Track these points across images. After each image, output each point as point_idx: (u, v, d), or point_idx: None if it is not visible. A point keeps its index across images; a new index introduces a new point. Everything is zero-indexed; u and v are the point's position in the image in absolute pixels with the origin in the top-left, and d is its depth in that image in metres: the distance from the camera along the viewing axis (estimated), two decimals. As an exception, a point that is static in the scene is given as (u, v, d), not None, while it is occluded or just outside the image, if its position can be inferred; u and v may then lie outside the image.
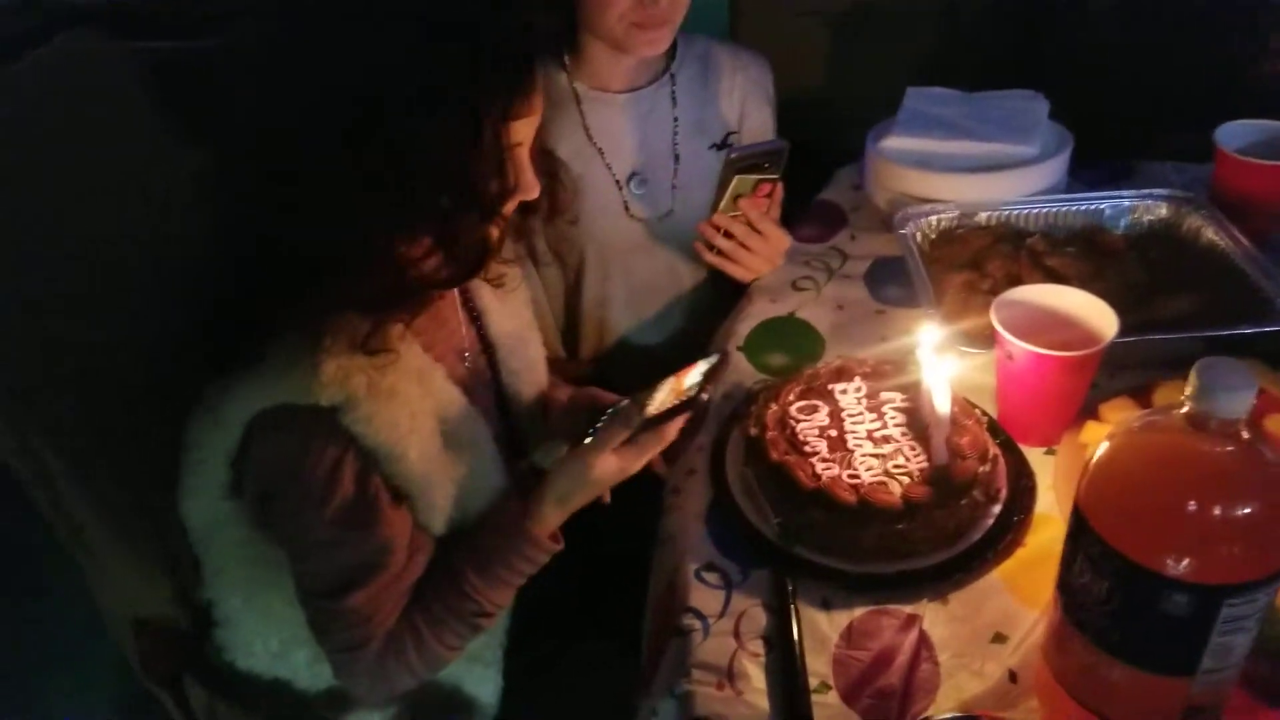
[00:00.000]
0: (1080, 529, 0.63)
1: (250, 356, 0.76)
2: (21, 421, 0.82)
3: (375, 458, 0.78)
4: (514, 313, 1.00)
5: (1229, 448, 0.58)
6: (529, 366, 1.01)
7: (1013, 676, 0.75)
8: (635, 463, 0.84)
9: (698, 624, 0.81)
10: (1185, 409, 0.58)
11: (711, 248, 1.12)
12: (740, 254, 1.12)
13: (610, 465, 0.83)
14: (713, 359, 0.87)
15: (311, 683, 0.91)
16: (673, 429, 0.84)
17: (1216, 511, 0.58)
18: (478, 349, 0.95)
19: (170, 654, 0.95)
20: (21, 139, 0.82)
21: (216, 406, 0.77)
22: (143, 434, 0.85)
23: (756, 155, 1.06)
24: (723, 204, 1.08)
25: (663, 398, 0.85)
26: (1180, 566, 0.58)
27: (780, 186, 1.10)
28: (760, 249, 1.12)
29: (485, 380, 0.96)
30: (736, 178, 1.06)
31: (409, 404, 0.80)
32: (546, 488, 0.86)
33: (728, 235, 1.11)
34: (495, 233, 0.81)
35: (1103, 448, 0.63)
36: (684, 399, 0.83)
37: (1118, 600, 0.61)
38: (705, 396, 0.83)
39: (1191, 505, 0.58)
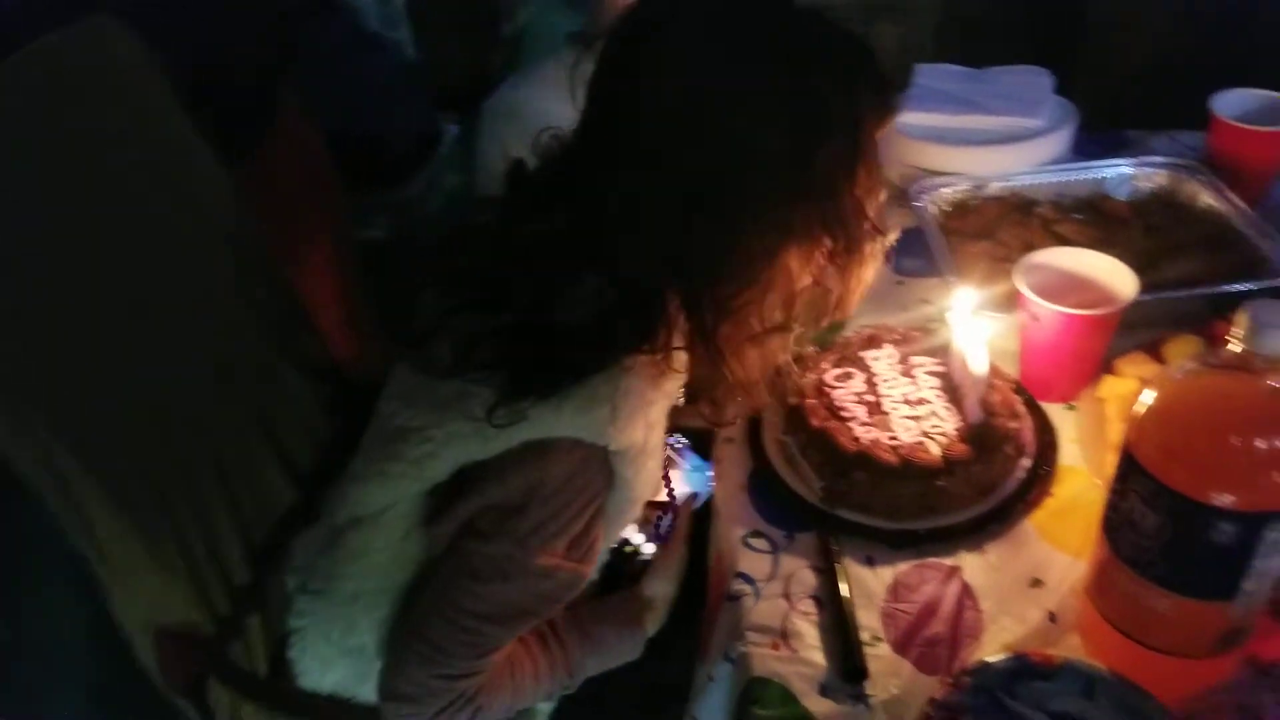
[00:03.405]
0: (1131, 469, 0.67)
1: (552, 387, 0.71)
2: (34, 421, 0.80)
3: (610, 506, 0.78)
4: None
5: (1273, 383, 0.62)
6: None
7: (1052, 617, 0.78)
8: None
9: (749, 588, 0.83)
10: (1234, 349, 0.62)
11: None
12: None
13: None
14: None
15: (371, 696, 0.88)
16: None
17: (1260, 444, 0.62)
18: None
19: (193, 660, 0.92)
20: (51, 136, 0.81)
21: (479, 418, 0.71)
22: (171, 438, 0.83)
23: None
24: None
25: None
26: (1227, 498, 0.62)
27: None
28: None
29: None
30: None
31: (658, 461, 0.80)
32: (657, 590, 0.92)
33: None
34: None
35: (1148, 395, 0.67)
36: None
37: (1169, 534, 0.65)
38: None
39: (1236, 440, 0.62)
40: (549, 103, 1.20)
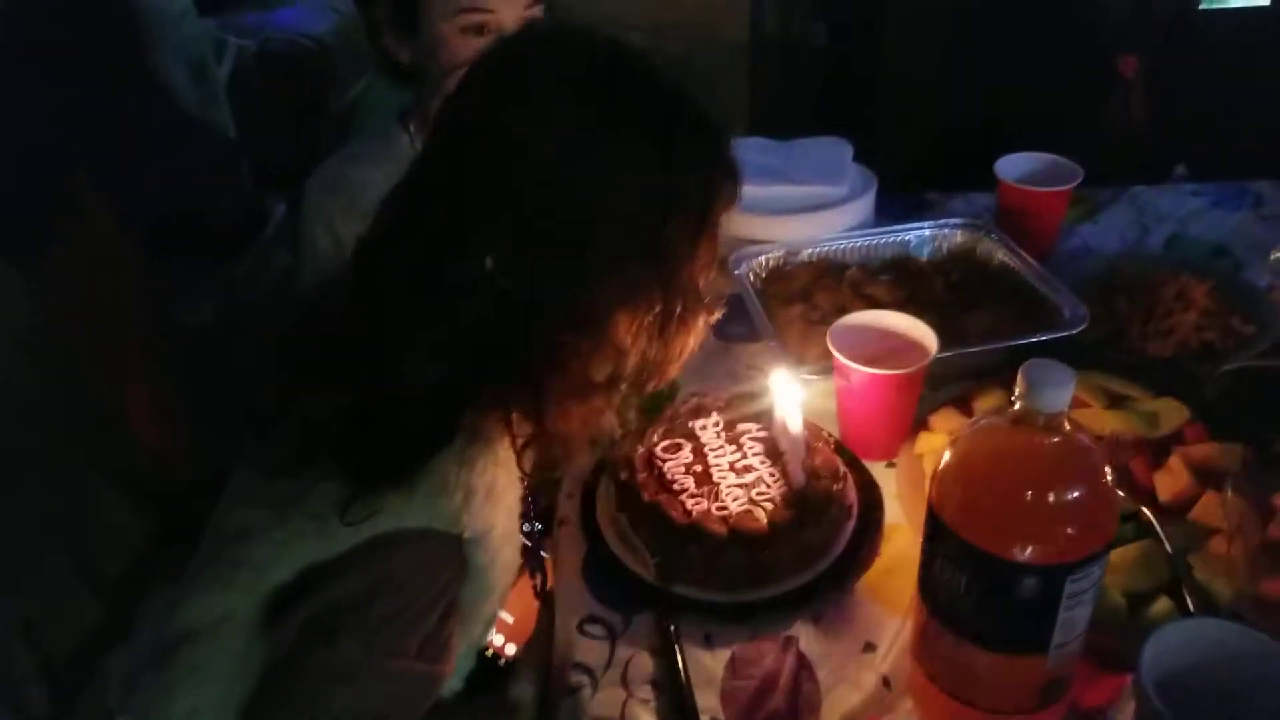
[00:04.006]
0: (936, 530, 0.68)
1: (402, 474, 0.68)
2: None
3: (465, 598, 0.74)
4: None
5: (1055, 439, 0.65)
6: None
7: (886, 682, 0.79)
8: None
9: (585, 679, 0.80)
10: (1015, 407, 0.65)
11: None
12: None
13: None
14: None
15: None
16: None
17: (1053, 497, 0.64)
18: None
19: None
20: None
21: (324, 515, 0.68)
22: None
23: None
24: None
25: None
26: (1026, 552, 0.64)
27: None
28: None
29: None
30: None
31: (515, 547, 0.77)
32: (524, 693, 0.90)
33: None
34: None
35: (947, 454, 0.68)
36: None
37: (976, 591, 0.66)
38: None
39: (1031, 495, 0.64)
40: (375, 176, 1.17)
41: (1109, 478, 0.66)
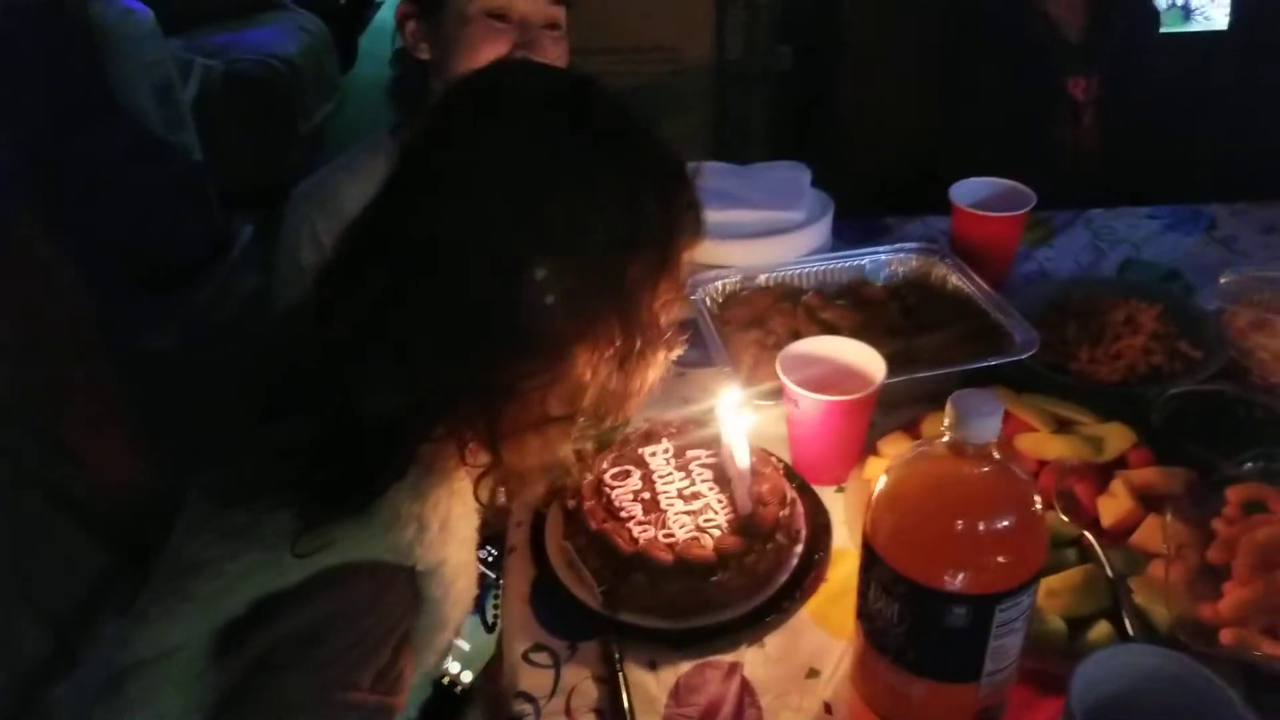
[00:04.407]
0: (870, 559, 0.69)
1: (354, 506, 0.68)
2: None
3: (418, 630, 0.74)
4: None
5: (985, 469, 0.65)
6: None
7: (828, 708, 0.79)
8: None
9: (529, 708, 0.80)
10: (945, 438, 0.65)
11: None
12: None
13: None
14: None
15: None
16: None
17: (982, 527, 0.65)
18: None
19: None
20: None
21: (276, 546, 0.68)
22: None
23: None
24: None
25: None
26: (956, 582, 0.64)
27: None
28: None
29: None
30: None
31: (470, 580, 0.77)
32: None
33: None
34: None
35: (881, 482, 0.69)
36: None
37: (908, 619, 0.67)
38: None
39: (960, 524, 0.65)
40: (363, 190, 1.17)
41: (1038, 507, 0.67)
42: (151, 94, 1.83)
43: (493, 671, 0.95)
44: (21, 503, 0.90)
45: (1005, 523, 0.65)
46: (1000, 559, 0.65)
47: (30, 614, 0.86)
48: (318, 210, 1.16)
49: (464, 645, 1.01)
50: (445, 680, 1.00)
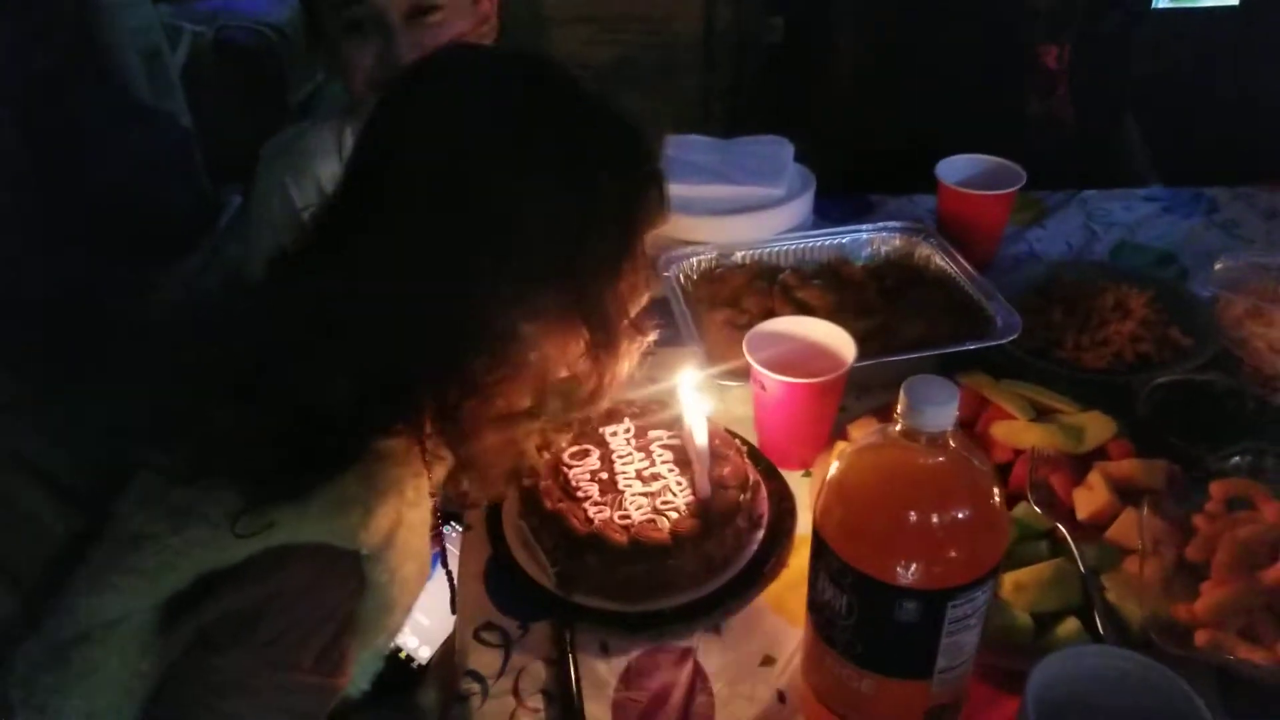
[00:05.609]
0: (819, 548, 0.66)
1: (297, 489, 0.67)
2: None
3: (363, 613, 0.72)
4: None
5: (940, 458, 0.62)
6: None
7: (781, 697, 0.77)
8: None
9: (477, 687, 0.79)
10: (898, 426, 0.62)
11: None
12: None
13: None
14: None
15: None
16: None
17: (934, 519, 0.62)
18: None
19: None
20: None
21: (219, 524, 0.67)
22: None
23: None
24: None
25: None
26: (907, 575, 0.61)
27: None
28: None
29: None
30: None
31: (420, 564, 0.75)
32: (431, 698, 0.88)
33: None
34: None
35: (833, 468, 0.66)
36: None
37: (857, 613, 0.64)
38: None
39: (912, 516, 0.62)
40: (329, 143, 1.14)
41: (996, 500, 0.64)
42: (139, 61, 1.80)
43: (449, 648, 0.93)
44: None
45: (960, 515, 0.62)
46: (954, 553, 0.62)
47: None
48: (288, 168, 1.13)
49: (424, 620, 1.00)
50: (402, 654, 0.98)
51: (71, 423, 1.06)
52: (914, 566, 0.61)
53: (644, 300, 0.77)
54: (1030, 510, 0.86)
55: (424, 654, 1.00)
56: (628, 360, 0.77)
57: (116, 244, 1.72)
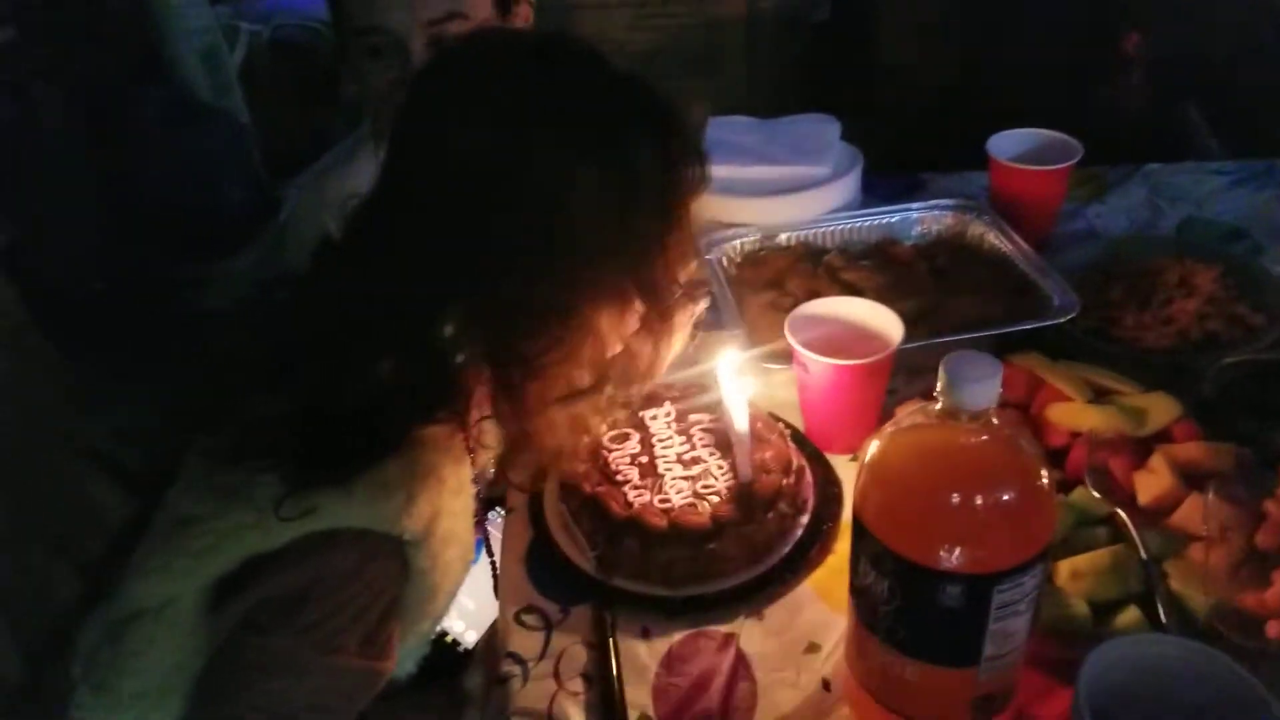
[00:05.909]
0: (860, 532, 0.64)
1: (339, 475, 0.68)
2: None
3: (406, 598, 0.74)
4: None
5: (983, 438, 0.60)
6: None
7: (826, 685, 0.75)
8: None
9: (517, 669, 0.79)
10: (939, 405, 0.60)
11: None
12: None
13: None
14: None
15: None
16: None
17: (978, 501, 0.60)
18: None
19: None
20: None
21: (263, 508, 0.68)
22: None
23: None
24: None
25: None
26: (950, 559, 0.59)
27: None
28: None
29: None
30: None
31: (463, 549, 0.76)
32: (477, 682, 0.89)
33: None
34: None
35: (871, 451, 0.64)
36: None
37: (899, 598, 0.62)
38: None
39: (954, 498, 0.60)
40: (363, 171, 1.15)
41: (1044, 481, 0.61)
42: (198, 60, 1.85)
43: (494, 633, 0.94)
44: (49, 447, 0.92)
45: (1004, 496, 0.60)
46: (998, 536, 0.60)
47: (62, 558, 0.88)
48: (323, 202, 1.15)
49: (469, 605, 1.00)
50: (448, 639, 0.99)
51: (135, 414, 1.10)
52: (957, 550, 0.59)
53: (693, 268, 0.77)
54: (1088, 495, 0.83)
55: (470, 638, 1.01)
56: (683, 329, 0.77)
57: (176, 241, 1.76)
